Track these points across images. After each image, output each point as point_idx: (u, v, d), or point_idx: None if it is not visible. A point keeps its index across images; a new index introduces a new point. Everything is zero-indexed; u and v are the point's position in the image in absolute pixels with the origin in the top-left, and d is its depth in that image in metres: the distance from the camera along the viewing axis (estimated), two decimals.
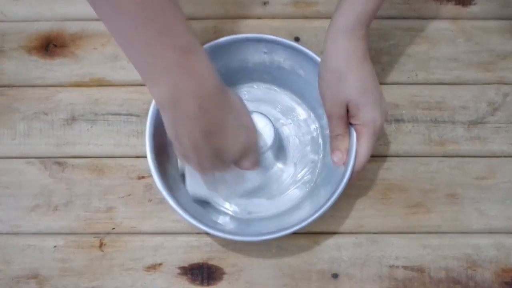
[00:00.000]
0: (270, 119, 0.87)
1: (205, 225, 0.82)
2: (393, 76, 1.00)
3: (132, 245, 0.92)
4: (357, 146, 0.82)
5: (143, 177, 0.95)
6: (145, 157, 0.84)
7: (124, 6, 0.60)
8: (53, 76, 1.00)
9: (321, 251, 0.92)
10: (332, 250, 0.92)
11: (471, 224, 0.93)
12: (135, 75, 0.96)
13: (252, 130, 0.77)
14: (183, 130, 0.69)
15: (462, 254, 0.91)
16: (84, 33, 1.02)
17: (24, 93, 0.99)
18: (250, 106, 0.95)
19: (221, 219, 0.90)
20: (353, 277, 0.90)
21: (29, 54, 1.02)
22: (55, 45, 1.02)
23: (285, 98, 0.98)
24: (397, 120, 0.98)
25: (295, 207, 0.92)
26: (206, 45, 0.88)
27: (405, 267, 0.91)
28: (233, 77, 0.95)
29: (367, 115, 0.80)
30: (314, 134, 0.96)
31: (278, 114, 0.97)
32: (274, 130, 0.87)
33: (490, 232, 0.93)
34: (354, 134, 0.84)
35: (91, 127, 0.98)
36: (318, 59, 0.86)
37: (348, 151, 0.84)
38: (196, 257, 0.91)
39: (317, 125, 0.96)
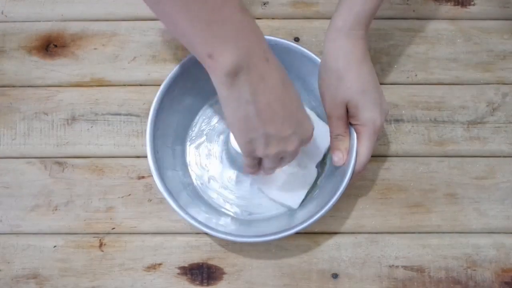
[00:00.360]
0: None
1: (205, 226, 0.82)
2: (392, 76, 1.00)
3: (132, 245, 0.92)
4: (358, 146, 0.82)
5: (143, 177, 0.95)
6: (145, 157, 0.85)
7: (178, 22, 0.62)
8: (54, 76, 1.00)
9: (321, 251, 0.92)
10: (332, 250, 0.92)
11: (471, 224, 0.93)
12: (135, 75, 0.97)
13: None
14: (262, 96, 0.67)
15: (462, 254, 0.91)
16: (85, 34, 1.02)
17: (24, 93, 0.99)
18: None
19: (222, 220, 0.90)
20: (353, 277, 0.90)
21: (30, 54, 1.02)
22: (56, 45, 1.02)
23: None
24: (397, 120, 0.98)
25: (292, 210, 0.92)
26: None
27: (404, 267, 0.91)
28: None
29: (367, 115, 0.80)
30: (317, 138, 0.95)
31: None
32: None
33: (490, 232, 0.93)
34: (354, 134, 0.84)
35: (91, 127, 0.98)
36: (317, 59, 0.86)
37: (349, 151, 0.85)
38: (196, 257, 0.91)
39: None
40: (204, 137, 0.96)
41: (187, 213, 0.82)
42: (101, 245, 0.92)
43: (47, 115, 0.98)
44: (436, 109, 0.98)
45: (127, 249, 0.92)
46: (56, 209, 0.94)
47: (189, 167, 0.95)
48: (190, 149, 0.96)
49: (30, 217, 0.94)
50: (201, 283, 0.90)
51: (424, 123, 0.98)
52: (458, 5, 1.04)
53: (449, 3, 1.04)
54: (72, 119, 0.98)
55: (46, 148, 0.97)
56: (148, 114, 0.85)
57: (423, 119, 0.98)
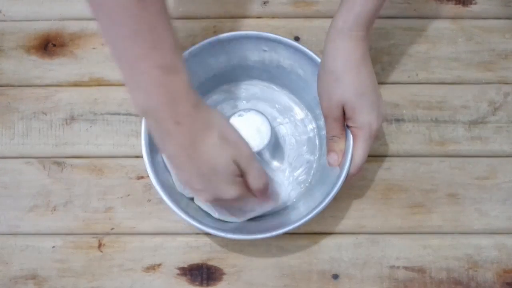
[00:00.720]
0: (267, 117, 0.88)
1: (202, 224, 0.82)
2: (393, 76, 1.00)
3: (131, 245, 0.92)
4: (353, 149, 0.82)
5: (142, 177, 0.95)
6: None
7: (119, 19, 0.62)
8: (52, 75, 1.00)
9: (322, 251, 0.92)
10: (333, 251, 0.92)
11: (472, 225, 0.93)
12: None
13: (241, 143, 0.74)
14: (169, 147, 0.70)
15: (463, 255, 0.91)
16: (83, 33, 1.02)
17: (23, 93, 0.99)
18: (248, 104, 0.96)
19: (218, 219, 0.90)
20: (353, 278, 0.90)
21: (28, 54, 1.02)
22: (54, 45, 1.02)
23: (283, 97, 0.98)
24: (398, 120, 0.98)
25: (290, 207, 0.92)
26: (206, 41, 0.88)
27: (405, 268, 0.91)
28: (232, 73, 0.96)
29: (363, 118, 0.80)
30: (311, 134, 0.96)
31: (275, 113, 0.97)
32: (271, 129, 0.87)
33: (492, 232, 0.93)
34: (350, 136, 0.84)
35: (90, 127, 0.98)
36: (318, 59, 0.86)
37: (344, 153, 0.84)
38: (195, 258, 0.91)
39: (314, 125, 0.96)
40: None
41: (185, 212, 0.82)
42: (100, 245, 0.92)
43: (46, 114, 0.98)
44: (437, 108, 0.98)
45: (126, 250, 0.92)
46: (54, 210, 0.94)
47: None
48: None
49: (28, 217, 0.93)
50: (201, 284, 0.90)
51: (425, 123, 0.98)
52: (459, 4, 1.04)
53: (450, 2, 1.04)
54: (71, 119, 0.98)
55: (45, 148, 0.97)
56: None
57: (424, 119, 0.98)
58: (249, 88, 0.98)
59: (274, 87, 0.98)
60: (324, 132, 0.90)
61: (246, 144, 0.74)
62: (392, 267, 0.91)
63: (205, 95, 0.97)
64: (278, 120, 0.96)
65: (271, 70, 0.95)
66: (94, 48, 1.02)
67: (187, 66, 0.78)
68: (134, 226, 0.93)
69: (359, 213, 0.94)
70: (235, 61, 0.94)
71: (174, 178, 0.86)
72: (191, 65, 0.87)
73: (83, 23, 1.03)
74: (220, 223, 0.88)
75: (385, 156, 0.96)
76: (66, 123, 0.98)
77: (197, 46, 0.88)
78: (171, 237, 0.93)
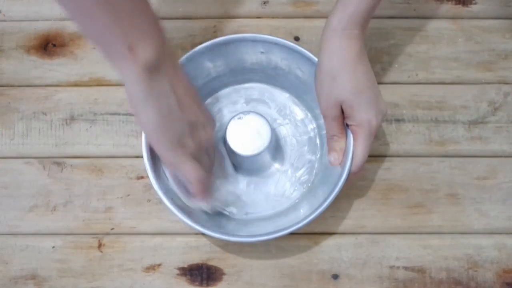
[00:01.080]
0: (267, 119, 0.88)
1: (202, 226, 0.82)
2: (393, 76, 1.00)
3: (131, 245, 0.92)
4: (353, 147, 0.82)
5: (142, 177, 0.95)
6: None
7: (95, 12, 0.62)
8: (52, 75, 1.01)
9: (321, 251, 0.92)
10: (332, 251, 0.92)
11: (472, 225, 0.93)
12: None
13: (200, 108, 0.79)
14: (178, 86, 0.73)
15: (463, 255, 0.91)
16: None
17: (22, 93, 1.00)
18: (247, 106, 0.97)
19: (218, 220, 0.90)
20: (353, 278, 0.90)
21: (28, 54, 1.02)
22: (54, 45, 1.02)
23: (282, 98, 0.98)
24: (398, 120, 0.98)
25: (292, 207, 0.92)
26: (203, 45, 0.89)
27: (405, 268, 0.91)
28: (230, 77, 0.96)
29: (362, 115, 0.80)
30: (312, 134, 0.96)
31: (275, 114, 0.97)
32: (271, 130, 0.87)
33: (491, 232, 0.93)
34: (351, 135, 0.84)
35: (90, 127, 0.98)
36: (315, 58, 0.86)
37: (345, 152, 0.84)
38: (195, 258, 0.91)
39: (314, 125, 0.96)
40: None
41: (183, 213, 0.82)
42: (100, 245, 0.92)
43: (46, 115, 0.99)
44: (437, 108, 0.98)
45: (126, 250, 0.92)
46: (54, 210, 0.94)
47: None
48: None
49: (28, 217, 0.94)
50: (201, 284, 0.90)
51: (425, 123, 0.98)
52: (459, 4, 1.04)
53: (450, 2, 1.05)
54: (71, 119, 0.98)
55: (45, 148, 0.97)
56: None
57: (424, 119, 0.98)
58: (249, 90, 0.98)
59: (273, 88, 0.98)
60: (324, 132, 0.90)
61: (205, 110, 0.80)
62: (392, 267, 0.91)
63: (203, 99, 0.97)
64: (278, 121, 0.96)
65: (269, 72, 0.95)
66: (94, 48, 1.02)
67: (185, 68, 0.79)
68: (134, 226, 0.93)
69: (359, 213, 0.94)
70: (233, 64, 0.94)
71: (177, 190, 0.86)
72: (188, 70, 0.88)
73: None
74: (219, 225, 0.88)
75: (385, 156, 0.96)
76: (66, 123, 0.98)
77: (193, 50, 0.89)
78: (171, 237, 0.93)
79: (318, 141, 0.95)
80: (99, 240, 0.92)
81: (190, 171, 0.78)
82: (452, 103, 0.99)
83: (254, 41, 0.90)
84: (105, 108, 0.99)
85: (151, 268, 0.91)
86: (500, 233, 0.93)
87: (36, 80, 1.00)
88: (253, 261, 0.91)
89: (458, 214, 0.93)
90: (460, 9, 1.04)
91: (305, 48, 0.88)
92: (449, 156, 0.96)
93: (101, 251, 0.92)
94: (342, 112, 0.82)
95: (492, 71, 1.00)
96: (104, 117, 0.98)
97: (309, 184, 0.94)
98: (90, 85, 1.00)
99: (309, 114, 0.97)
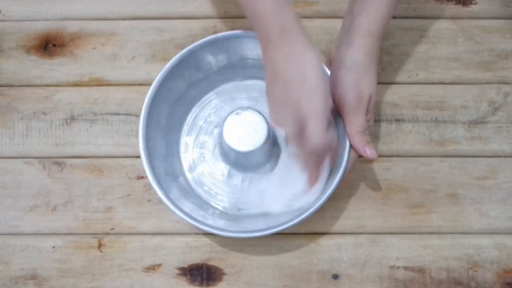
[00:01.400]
0: (264, 117, 0.88)
1: (201, 223, 0.83)
2: (393, 76, 1.01)
3: (131, 245, 0.92)
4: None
5: (142, 177, 0.95)
6: None
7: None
8: (52, 75, 1.01)
9: (321, 251, 0.92)
10: (332, 251, 0.92)
11: (472, 225, 0.93)
12: (134, 75, 0.98)
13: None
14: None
15: (463, 255, 0.92)
16: (83, 33, 1.03)
17: (23, 93, 1.00)
18: (248, 103, 0.97)
19: (210, 214, 0.91)
20: (353, 278, 0.90)
21: (28, 54, 1.02)
22: (54, 45, 1.02)
23: None
24: (398, 120, 0.98)
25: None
26: (206, 39, 0.90)
27: (405, 268, 0.91)
28: (232, 72, 0.97)
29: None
30: None
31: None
32: (268, 128, 0.87)
33: (491, 232, 0.93)
34: (346, 135, 0.85)
35: (90, 127, 0.98)
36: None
37: (339, 154, 0.85)
38: (195, 258, 0.92)
39: None
40: (198, 130, 0.97)
41: (175, 205, 0.84)
42: (100, 245, 0.92)
43: (46, 114, 0.99)
44: (437, 108, 0.99)
45: (126, 250, 0.92)
46: (54, 210, 0.94)
47: (181, 159, 0.96)
48: (184, 141, 0.97)
49: (28, 217, 0.94)
50: (201, 284, 0.90)
51: (425, 123, 0.98)
52: (459, 4, 1.05)
53: (450, 2, 1.05)
54: (71, 119, 0.98)
55: (45, 148, 0.97)
56: None
57: (424, 119, 0.98)
58: (250, 87, 0.99)
59: None
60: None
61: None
62: (392, 267, 0.91)
63: (204, 94, 0.98)
64: None
65: None
66: (94, 48, 1.02)
67: (185, 64, 0.79)
68: (134, 226, 0.93)
69: (359, 213, 0.94)
70: (235, 59, 0.94)
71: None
72: (189, 62, 0.89)
73: (83, 23, 1.03)
74: (209, 219, 0.88)
75: (385, 156, 0.97)
76: (66, 123, 0.98)
77: (195, 44, 0.89)
78: (171, 237, 0.93)
79: None
80: (99, 240, 0.93)
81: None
82: (452, 103, 0.99)
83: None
84: (105, 108, 0.99)
85: (151, 268, 0.91)
86: (500, 233, 0.93)
87: (36, 80, 1.01)
88: (253, 261, 0.91)
89: (458, 214, 0.94)
90: (460, 9, 1.04)
91: None
92: (449, 156, 0.97)
93: (101, 251, 0.92)
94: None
95: (492, 71, 1.01)
96: (104, 117, 0.98)
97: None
98: (90, 85, 1.00)
99: None
